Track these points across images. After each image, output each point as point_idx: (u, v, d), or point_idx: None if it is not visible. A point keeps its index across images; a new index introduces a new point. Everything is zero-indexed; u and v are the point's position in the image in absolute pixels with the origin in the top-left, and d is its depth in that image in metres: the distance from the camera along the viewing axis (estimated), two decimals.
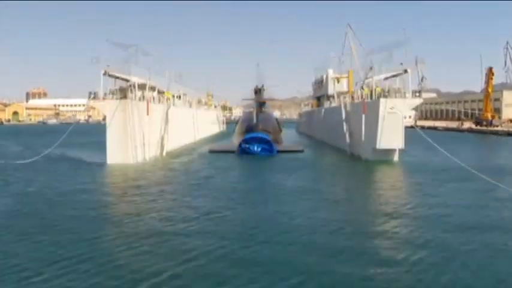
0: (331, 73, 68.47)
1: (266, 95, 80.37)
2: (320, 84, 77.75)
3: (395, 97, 37.22)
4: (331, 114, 57.90)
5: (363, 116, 38.71)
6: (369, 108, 38.59)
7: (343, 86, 61.98)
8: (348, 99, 48.12)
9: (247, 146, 43.18)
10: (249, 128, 50.03)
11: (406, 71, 38.74)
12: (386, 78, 44.07)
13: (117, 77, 41.69)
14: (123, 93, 38.73)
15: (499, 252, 13.31)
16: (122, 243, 14.04)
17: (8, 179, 28.63)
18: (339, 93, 55.76)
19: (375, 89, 40.42)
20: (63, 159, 40.19)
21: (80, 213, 18.27)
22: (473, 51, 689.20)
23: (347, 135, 44.60)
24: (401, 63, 38.67)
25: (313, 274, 11.61)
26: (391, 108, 36.12)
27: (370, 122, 38.11)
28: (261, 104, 63.28)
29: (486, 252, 13.36)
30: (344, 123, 45.53)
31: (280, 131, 61.92)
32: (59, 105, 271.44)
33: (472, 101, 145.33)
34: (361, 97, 43.29)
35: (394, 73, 40.83)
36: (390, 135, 35.97)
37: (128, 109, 37.21)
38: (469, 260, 12.69)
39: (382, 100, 36.55)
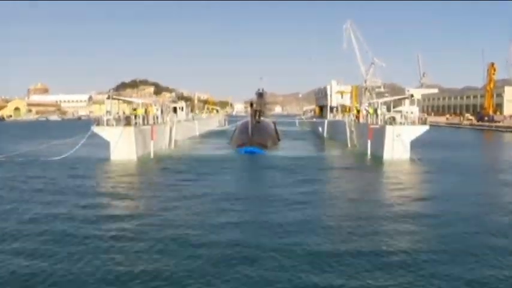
0: (334, 85, 67.98)
1: (267, 93, 78.86)
2: (323, 94, 77.19)
3: (401, 124, 36.96)
4: (334, 129, 57.43)
5: (368, 141, 38.47)
6: (374, 134, 38.33)
7: (347, 100, 61.53)
8: (352, 117, 47.76)
9: None
10: (244, 142, 48.04)
11: (412, 96, 38.44)
12: (391, 102, 43.84)
13: (120, 99, 41.79)
14: (127, 120, 38.54)
15: None
16: None
17: None
18: (343, 107, 55.34)
19: (380, 107, 40.20)
20: None
21: None
22: (476, 46, 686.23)
23: None
24: (408, 90, 38.32)
25: None
26: (397, 136, 35.89)
27: (375, 147, 37.91)
28: (258, 113, 58.13)
29: None
30: (348, 143, 45.35)
31: (279, 140, 59.52)
32: (60, 101, 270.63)
33: (474, 96, 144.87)
34: (366, 117, 43.01)
35: (401, 97, 40.50)
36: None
37: (131, 136, 37.03)
38: None
39: (388, 127, 36.26)
